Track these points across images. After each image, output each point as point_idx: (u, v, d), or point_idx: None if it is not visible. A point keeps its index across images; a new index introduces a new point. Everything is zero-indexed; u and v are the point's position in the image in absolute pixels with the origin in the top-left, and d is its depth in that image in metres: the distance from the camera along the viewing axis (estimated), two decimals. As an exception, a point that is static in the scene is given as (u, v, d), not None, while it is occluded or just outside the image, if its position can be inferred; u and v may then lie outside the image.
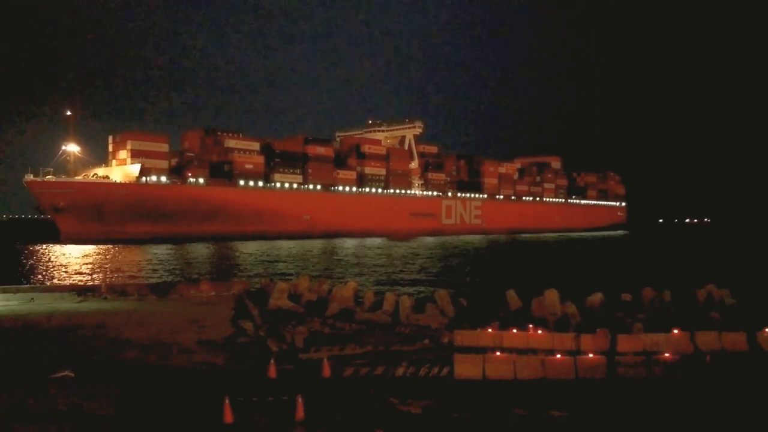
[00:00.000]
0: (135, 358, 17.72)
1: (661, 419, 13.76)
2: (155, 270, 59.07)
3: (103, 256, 76.65)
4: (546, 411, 13.82)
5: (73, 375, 15.50)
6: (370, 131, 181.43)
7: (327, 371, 16.49)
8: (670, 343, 19.41)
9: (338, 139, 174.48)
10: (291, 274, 51.91)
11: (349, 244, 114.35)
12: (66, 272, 56.87)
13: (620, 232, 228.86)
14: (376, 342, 20.90)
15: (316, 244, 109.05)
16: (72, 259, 72.41)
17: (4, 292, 32.55)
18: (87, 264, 66.17)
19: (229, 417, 12.38)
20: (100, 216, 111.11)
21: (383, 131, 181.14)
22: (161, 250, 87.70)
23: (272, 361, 16.57)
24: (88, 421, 12.51)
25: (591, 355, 17.76)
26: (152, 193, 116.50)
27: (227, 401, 12.43)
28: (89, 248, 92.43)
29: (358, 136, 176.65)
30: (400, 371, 17.31)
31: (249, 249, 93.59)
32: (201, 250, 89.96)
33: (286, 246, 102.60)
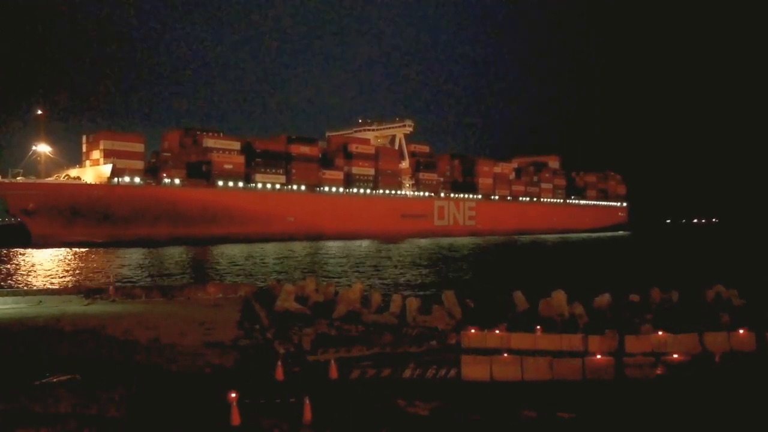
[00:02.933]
0: (143, 360, 17.76)
1: (669, 420, 13.68)
2: (126, 276, 56.26)
3: (68, 262, 72.71)
4: (554, 412, 13.76)
5: (78, 377, 15.55)
6: (360, 130, 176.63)
7: (334, 373, 16.49)
8: (679, 343, 19.31)
9: (328, 138, 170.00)
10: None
11: (335, 246, 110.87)
12: (33, 278, 54.95)
13: (621, 232, 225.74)
14: (383, 344, 20.88)
15: (300, 247, 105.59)
16: (38, 266, 67.97)
17: (13, 294, 32.73)
18: (46, 270, 62.30)
19: (236, 419, 12.39)
20: (71, 219, 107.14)
21: (373, 130, 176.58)
22: (134, 255, 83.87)
23: (279, 363, 16.58)
24: (96, 423, 12.55)
25: (599, 356, 17.68)
26: (123, 194, 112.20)
27: (234, 403, 12.44)
28: (58, 252, 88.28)
29: (347, 135, 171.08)
30: (407, 373, 17.28)
31: (228, 252, 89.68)
32: (176, 254, 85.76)
33: (267, 249, 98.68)
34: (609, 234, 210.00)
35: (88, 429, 12.24)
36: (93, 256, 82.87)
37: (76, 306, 28.35)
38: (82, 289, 34.66)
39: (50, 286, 45.08)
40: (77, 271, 60.63)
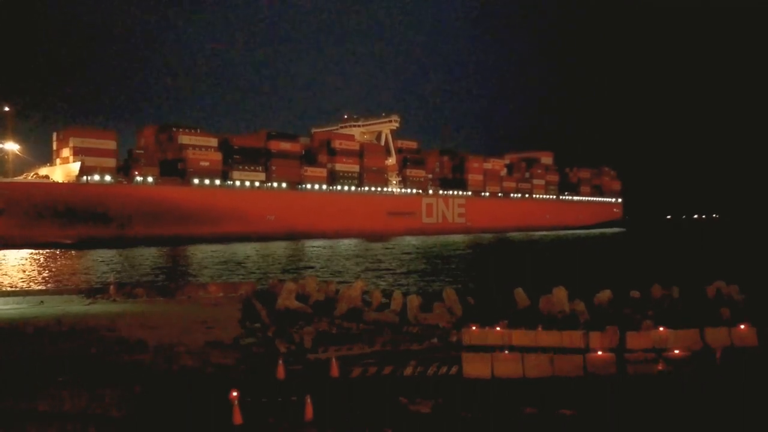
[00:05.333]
0: (144, 360, 17.79)
1: (671, 416, 13.69)
2: (94, 278, 53.14)
3: (30, 266, 67.87)
4: (555, 409, 13.78)
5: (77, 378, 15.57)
6: (346, 126, 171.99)
7: (335, 371, 16.51)
8: (680, 339, 19.31)
9: (313, 134, 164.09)
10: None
11: (317, 245, 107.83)
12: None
13: (616, 229, 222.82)
14: (385, 341, 20.89)
15: (280, 246, 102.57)
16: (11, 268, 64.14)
17: (14, 295, 32.80)
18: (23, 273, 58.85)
19: (238, 418, 12.42)
20: (39, 219, 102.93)
21: (359, 126, 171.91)
22: (105, 255, 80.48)
23: (281, 362, 16.60)
24: (99, 422, 12.57)
25: (600, 353, 17.69)
26: (93, 193, 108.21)
27: (236, 402, 12.47)
28: (21, 254, 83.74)
29: (331, 131, 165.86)
30: (408, 370, 17.30)
31: (202, 253, 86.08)
32: (148, 255, 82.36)
33: (244, 249, 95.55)
34: (602, 230, 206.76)
35: (92, 428, 12.26)
36: (60, 257, 79.16)
37: (77, 306, 28.40)
38: (83, 289, 34.74)
39: (51, 287, 45.06)
40: (48, 274, 57.91)
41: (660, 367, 16.99)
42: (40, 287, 44.34)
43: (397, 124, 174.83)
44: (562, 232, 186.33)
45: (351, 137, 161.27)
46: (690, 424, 13.31)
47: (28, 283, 49.54)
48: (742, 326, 20.08)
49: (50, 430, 12.08)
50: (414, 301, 26.41)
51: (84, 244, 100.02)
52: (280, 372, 16.21)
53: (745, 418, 13.46)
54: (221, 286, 34.11)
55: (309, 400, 12.73)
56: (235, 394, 12.54)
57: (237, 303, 29.10)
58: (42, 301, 29.74)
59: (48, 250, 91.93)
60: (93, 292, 32.77)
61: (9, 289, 42.82)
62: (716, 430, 13.09)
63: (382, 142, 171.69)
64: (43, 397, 13.94)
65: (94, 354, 18.38)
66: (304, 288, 31.16)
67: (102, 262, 72.01)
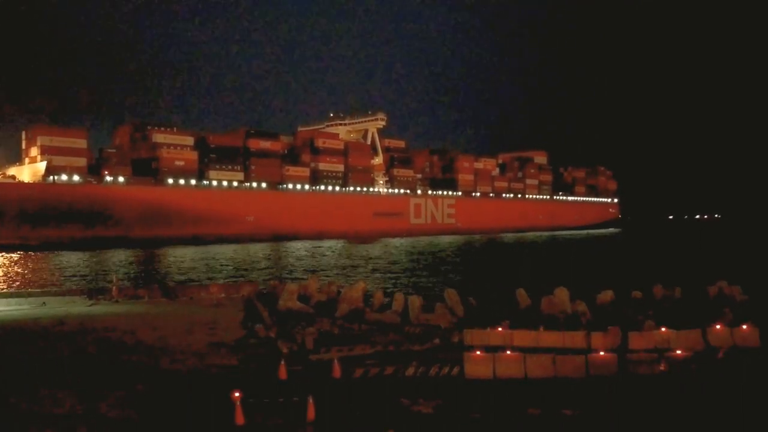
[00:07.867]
0: (146, 361, 17.81)
1: (673, 416, 13.68)
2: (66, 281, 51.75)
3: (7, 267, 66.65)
4: (557, 409, 13.77)
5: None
6: (332, 125, 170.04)
7: (337, 372, 16.52)
8: (682, 339, 19.29)
9: (297, 133, 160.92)
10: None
11: (298, 247, 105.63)
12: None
13: (612, 230, 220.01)
14: (386, 342, 20.90)
15: (260, 249, 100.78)
16: None
17: (17, 296, 32.87)
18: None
19: (240, 418, 12.43)
20: (2, 220, 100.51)
21: (345, 125, 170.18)
22: (72, 258, 78.11)
23: (282, 362, 16.62)
24: (101, 423, 12.59)
25: (602, 353, 17.66)
26: (60, 193, 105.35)
27: (238, 402, 12.48)
28: None
29: (316, 130, 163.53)
30: (410, 371, 17.30)
31: (176, 256, 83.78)
32: (118, 258, 79.17)
33: (222, 251, 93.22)
34: (597, 231, 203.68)
35: (94, 429, 12.28)
36: (25, 260, 76.54)
37: (79, 307, 28.45)
38: (85, 290, 34.81)
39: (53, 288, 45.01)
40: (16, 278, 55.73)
41: (662, 368, 16.97)
42: (42, 288, 44.38)
43: (383, 123, 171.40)
44: (556, 233, 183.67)
45: (335, 136, 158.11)
46: (692, 425, 13.29)
47: (7, 286, 47.97)
48: (745, 327, 20.03)
49: (52, 431, 12.10)
50: (415, 301, 26.42)
51: (50, 246, 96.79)
52: (282, 372, 16.23)
53: (746, 419, 13.44)
54: (223, 287, 34.19)
55: (311, 401, 12.73)
56: (237, 394, 12.56)
57: (239, 304, 29.15)
58: (44, 303, 29.81)
59: (13, 253, 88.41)
60: (95, 293, 32.84)
61: (11, 290, 42.89)
62: (718, 431, 13.08)
63: (369, 141, 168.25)
64: (44, 398, 13.97)
65: (96, 354, 18.41)
66: (306, 289, 31.19)
67: (69, 266, 68.90)
